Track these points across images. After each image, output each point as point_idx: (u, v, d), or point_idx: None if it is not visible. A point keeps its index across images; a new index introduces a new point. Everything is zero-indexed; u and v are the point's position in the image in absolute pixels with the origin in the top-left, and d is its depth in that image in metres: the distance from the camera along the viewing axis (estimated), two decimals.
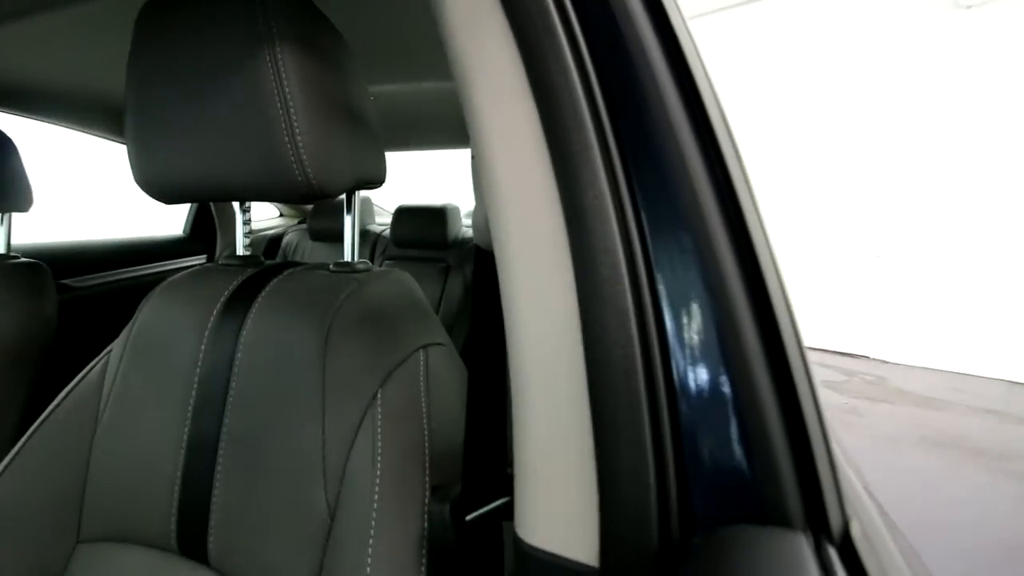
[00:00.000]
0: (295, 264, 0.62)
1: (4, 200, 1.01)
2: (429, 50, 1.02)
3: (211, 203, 1.92)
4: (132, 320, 0.60)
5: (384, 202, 2.82)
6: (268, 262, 0.64)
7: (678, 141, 0.28)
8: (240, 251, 0.69)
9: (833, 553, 0.23)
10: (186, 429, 0.53)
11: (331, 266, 0.61)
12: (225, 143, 0.47)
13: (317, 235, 2.25)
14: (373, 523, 0.43)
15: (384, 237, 2.16)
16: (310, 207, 2.40)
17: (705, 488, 0.26)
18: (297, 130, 0.45)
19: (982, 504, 2.09)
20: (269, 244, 2.43)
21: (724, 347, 0.26)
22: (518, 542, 0.30)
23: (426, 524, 0.44)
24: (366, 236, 2.21)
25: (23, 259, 1.04)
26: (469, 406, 0.47)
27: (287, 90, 0.44)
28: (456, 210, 2.02)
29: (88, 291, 1.40)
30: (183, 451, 0.52)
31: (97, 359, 0.60)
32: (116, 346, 0.60)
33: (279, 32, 0.44)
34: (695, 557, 0.25)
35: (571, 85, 0.29)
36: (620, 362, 0.27)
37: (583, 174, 0.28)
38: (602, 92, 0.29)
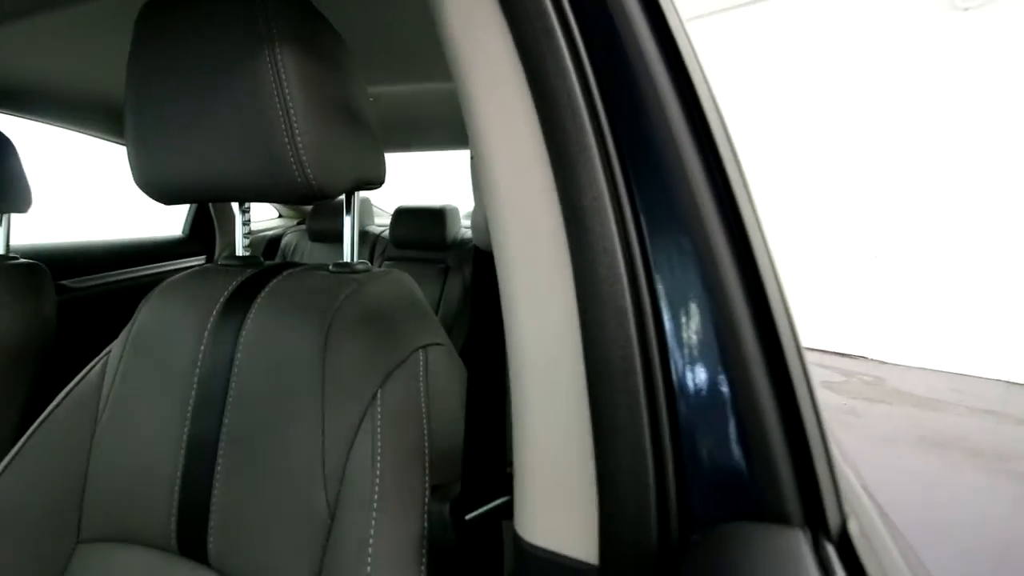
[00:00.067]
0: (294, 265, 0.62)
1: (3, 201, 1.01)
2: (428, 51, 1.02)
3: (210, 204, 1.92)
4: (131, 320, 0.60)
5: (383, 203, 2.82)
6: (267, 263, 0.64)
7: (676, 142, 0.28)
8: (240, 252, 0.69)
9: (831, 550, 0.23)
10: (186, 429, 0.53)
11: (330, 267, 0.61)
12: (225, 144, 0.47)
13: (316, 236, 2.26)
14: (373, 523, 0.43)
15: (383, 238, 2.16)
16: (309, 208, 2.40)
17: (704, 486, 0.26)
18: (297, 131, 0.45)
19: (981, 505, 2.10)
20: (268, 245, 2.43)
21: (722, 347, 0.26)
22: (518, 540, 0.30)
23: (426, 524, 0.44)
24: (365, 237, 2.21)
25: (22, 260, 1.04)
26: (468, 406, 0.47)
27: (287, 91, 0.44)
28: (455, 211, 2.02)
29: (87, 292, 1.40)
30: (183, 451, 0.53)
31: (96, 359, 0.60)
32: (115, 346, 0.60)
33: (279, 33, 0.44)
34: (694, 554, 0.25)
35: (570, 86, 0.29)
36: (619, 362, 0.27)
37: (582, 175, 0.29)
38: (600, 93, 0.30)
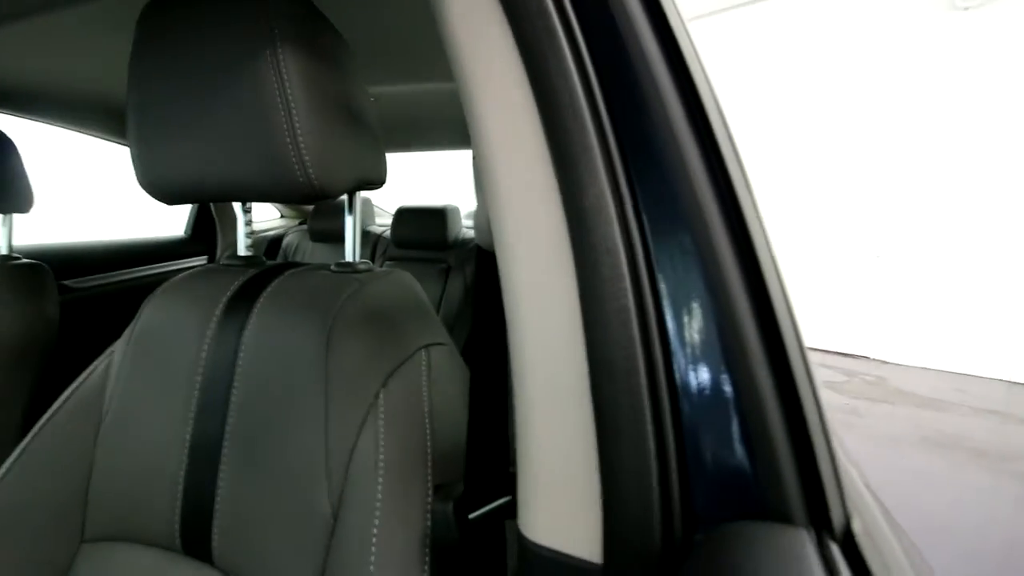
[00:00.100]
0: (297, 264, 0.62)
1: (5, 201, 1.01)
2: (429, 51, 1.02)
3: (212, 204, 1.93)
4: (134, 320, 0.60)
5: (383, 203, 2.82)
6: (270, 262, 0.64)
7: (678, 141, 0.28)
8: (242, 251, 0.70)
9: (835, 549, 0.23)
10: (189, 429, 0.53)
11: (333, 266, 0.61)
12: (227, 144, 0.47)
13: (317, 236, 2.26)
14: (376, 522, 0.43)
15: (384, 238, 2.17)
16: (310, 208, 2.40)
17: (707, 485, 0.26)
18: (299, 131, 0.45)
19: (984, 505, 2.09)
20: (270, 245, 2.44)
21: (725, 345, 0.26)
22: (522, 539, 0.30)
23: (429, 523, 0.44)
24: (367, 237, 2.22)
25: (25, 260, 1.04)
26: (471, 405, 0.47)
27: (289, 91, 0.44)
28: (456, 211, 2.02)
29: (89, 292, 1.41)
30: (186, 451, 0.53)
31: (99, 359, 0.60)
32: (118, 346, 0.60)
33: (281, 33, 0.44)
34: (698, 553, 0.25)
35: (571, 86, 0.29)
36: (622, 361, 0.27)
37: (584, 175, 0.29)
38: (602, 92, 0.30)
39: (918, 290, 3.87)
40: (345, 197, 0.62)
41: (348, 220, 0.65)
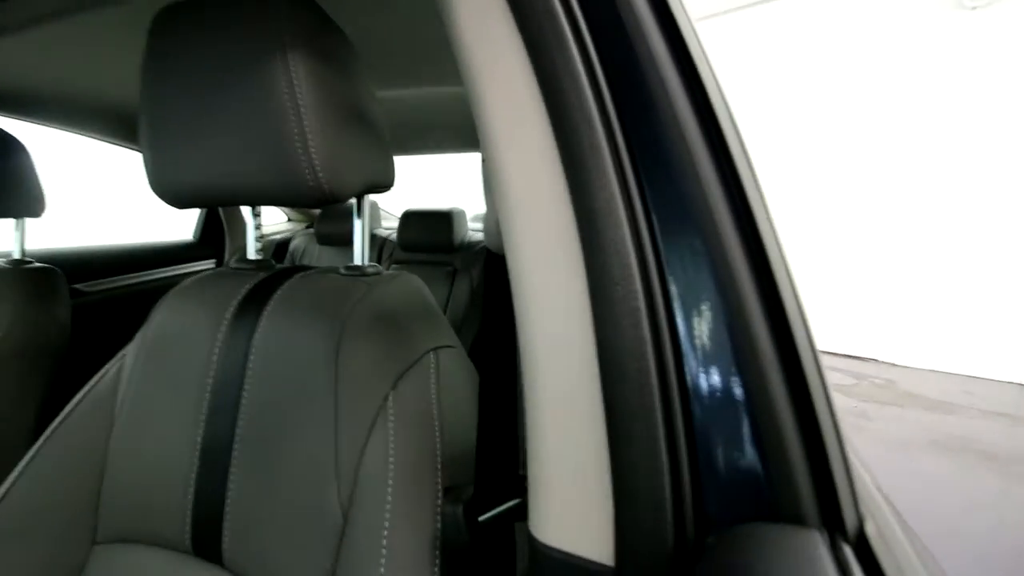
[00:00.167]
0: (306, 268, 0.62)
1: (18, 206, 1.02)
2: (436, 55, 1.03)
3: (220, 208, 1.94)
4: (146, 324, 0.60)
5: (388, 206, 2.83)
6: (279, 266, 0.65)
7: (687, 142, 0.28)
8: (252, 255, 0.70)
9: (849, 551, 0.23)
10: (200, 431, 0.53)
11: (342, 270, 0.61)
12: (238, 148, 0.47)
13: (324, 239, 2.27)
14: (386, 523, 0.43)
15: (391, 241, 2.17)
16: (317, 212, 2.41)
17: (719, 488, 0.26)
18: (309, 136, 0.45)
19: (995, 509, 2.07)
20: (277, 248, 2.45)
21: (736, 347, 0.26)
22: (533, 541, 0.30)
23: (439, 525, 0.44)
24: (373, 240, 2.22)
25: (38, 264, 1.05)
26: (480, 408, 0.48)
27: (299, 97, 0.45)
28: (462, 214, 2.03)
29: (100, 296, 1.42)
30: (197, 453, 0.53)
31: (111, 362, 0.61)
32: (130, 349, 0.60)
33: (290, 39, 0.45)
34: (710, 555, 0.25)
35: (580, 89, 0.29)
36: (633, 363, 0.27)
37: (593, 176, 0.29)
38: (611, 95, 0.30)
39: (928, 292, 3.84)
40: (354, 201, 0.63)
41: (357, 223, 0.66)
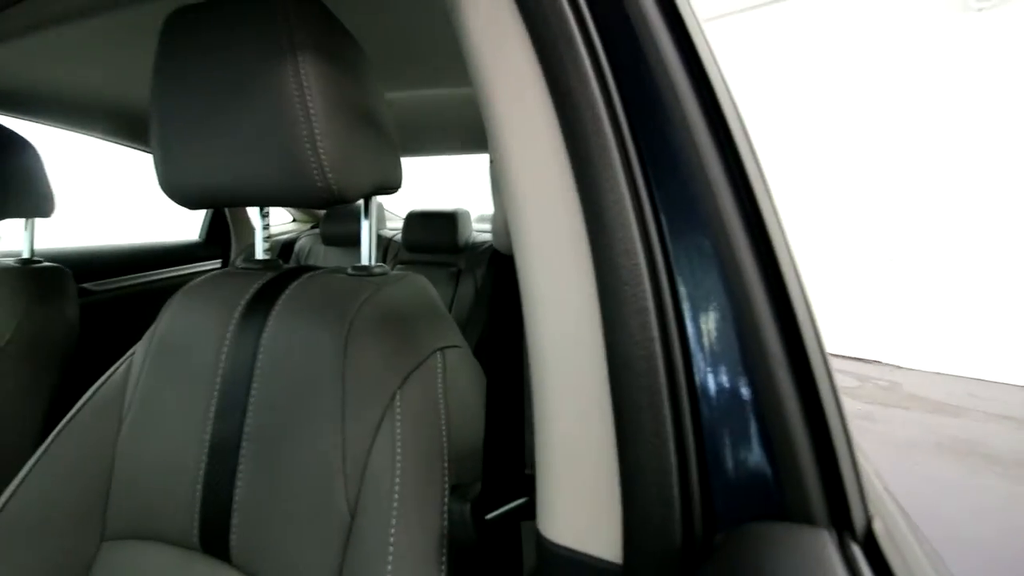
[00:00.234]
0: (314, 268, 0.63)
1: (28, 206, 1.03)
2: (444, 57, 1.03)
3: (226, 209, 1.95)
4: (155, 323, 0.61)
5: (393, 207, 2.84)
6: (287, 266, 0.65)
7: (696, 143, 0.28)
8: (260, 255, 0.70)
9: (857, 550, 0.23)
10: (208, 430, 0.54)
11: (349, 270, 0.62)
12: (247, 149, 0.48)
13: (330, 240, 2.27)
14: (394, 521, 0.43)
15: (396, 242, 2.18)
16: (322, 212, 2.42)
17: (727, 486, 0.26)
18: (318, 137, 0.46)
19: (1000, 512, 2.06)
20: (282, 249, 2.45)
21: (744, 347, 0.26)
22: (541, 539, 0.30)
23: (446, 523, 0.44)
24: (378, 241, 2.23)
25: (46, 263, 1.06)
26: (486, 407, 0.48)
27: (309, 99, 0.45)
28: (467, 214, 2.03)
29: (107, 295, 1.43)
30: (205, 451, 0.53)
31: (120, 361, 0.61)
32: (139, 348, 0.61)
33: (300, 42, 0.45)
34: (718, 554, 0.25)
35: (589, 90, 0.30)
36: (641, 362, 0.27)
37: (603, 177, 0.29)
38: (620, 96, 0.30)
39: (932, 294, 3.83)
40: (361, 202, 0.63)
41: (364, 224, 0.66)
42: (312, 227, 2.72)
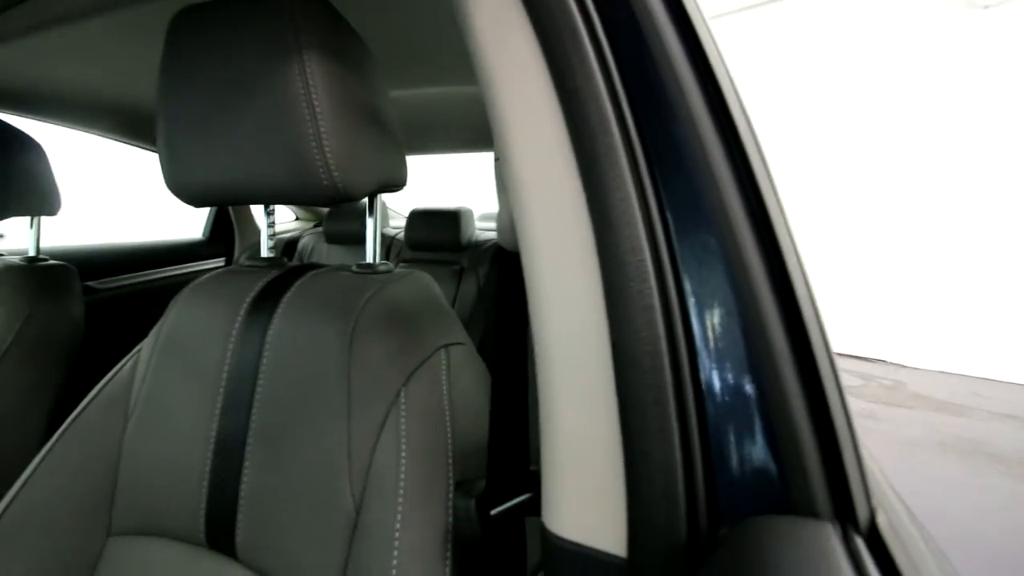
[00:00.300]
0: (318, 266, 0.63)
1: (34, 204, 1.04)
2: (448, 55, 1.03)
3: (230, 207, 1.96)
4: (161, 320, 0.61)
5: (396, 205, 2.84)
6: (291, 264, 0.65)
7: (702, 140, 0.29)
8: (265, 253, 0.71)
9: (860, 543, 0.23)
10: (214, 425, 0.54)
11: (354, 267, 0.62)
12: (253, 148, 0.48)
13: (333, 238, 2.28)
14: (399, 517, 0.44)
15: (399, 240, 2.18)
16: (326, 210, 2.43)
17: (732, 480, 0.26)
18: (324, 135, 0.46)
19: (1005, 512, 2.05)
20: (286, 247, 2.46)
21: (750, 342, 0.26)
22: (546, 533, 0.31)
23: (450, 518, 0.45)
24: (381, 239, 2.22)
25: (52, 261, 1.07)
26: (491, 404, 0.48)
27: (314, 97, 0.45)
28: (469, 213, 2.03)
29: (111, 293, 1.43)
30: (211, 447, 0.54)
31: (126, 358, 0.62)
32: (145, 345, 0.61)
33: (306, 42, 0.45)
34: (723, 547, 0.25)
35: (595, 87, 0.30)
36: (647, 359, 0.27)
37: (609, 176, 0.29)
38: (626, 94, 0.30)
39: (936, 293, 3.82)
40: (366, 199, 0.63)
41: (369, 222, 0.66)
42: (315, 225, 2.73)
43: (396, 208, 2.81)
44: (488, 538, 0.42)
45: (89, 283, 1.36)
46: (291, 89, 0.45)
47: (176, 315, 0.60)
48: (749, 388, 0.26)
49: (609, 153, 0.29)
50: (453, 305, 1.88)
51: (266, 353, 0.54)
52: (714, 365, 0.27)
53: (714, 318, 0.27)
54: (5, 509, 0.55)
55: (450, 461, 0.47)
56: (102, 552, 0.56)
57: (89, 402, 0.60)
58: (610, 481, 0.28)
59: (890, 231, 3.97)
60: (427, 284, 0.62)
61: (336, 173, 0.47)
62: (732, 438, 0.26)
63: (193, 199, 0.54)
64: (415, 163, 2.38)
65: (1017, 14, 3.43)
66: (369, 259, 0.65)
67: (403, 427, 0.47)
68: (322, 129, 0.46)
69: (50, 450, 0.57)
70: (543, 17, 0.31)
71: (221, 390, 0.55)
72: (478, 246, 1.99)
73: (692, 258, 0.28)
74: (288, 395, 0.52)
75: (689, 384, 0.27)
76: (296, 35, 0.45)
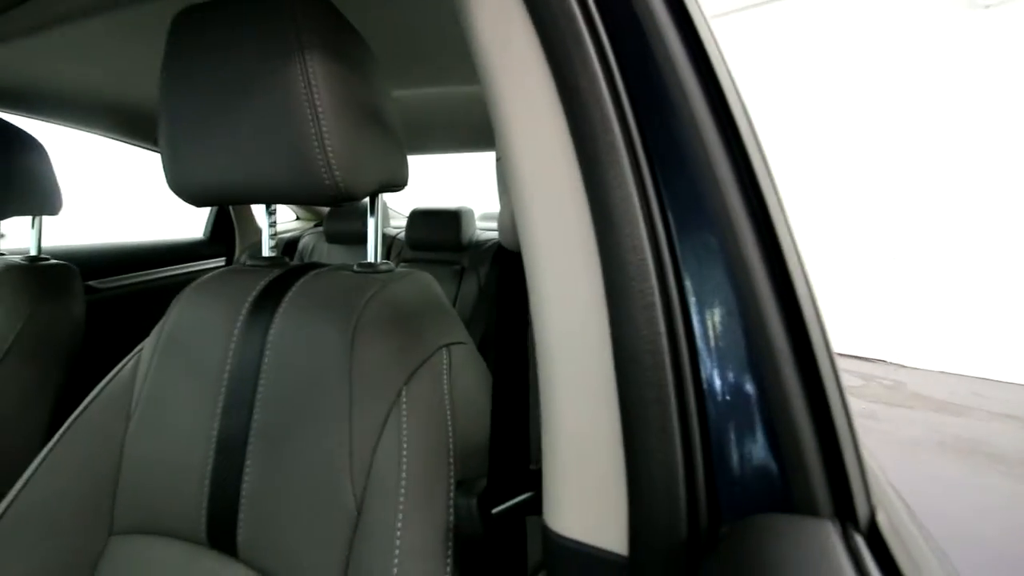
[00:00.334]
0: (320, 265, 0.63)
1: (35, 204, 1.04)
2: (449, 55, 1.03)
3: (231, 207, 1.96)
4: (163, 319, 0.61)
5: (396, 205, 2.84)
6: (293, 263, 0.66)
7: (703, 140, 0.29)
8: (267, 252, 0.71)
9: (860, 540, 0.24)
10: (216, 425, 0.54)
11: (355, 267, 0.62)
12: (256, 147, 0.48)
13: (333, 238, 2.28)
14: (400, 515, 0.44)
15: (399, 240, 2.18)
16: (326, 210, 2.43)
17: (733, 478, 0.26)
18: (326, 134, 0.46)
19: (1004, 512, 2.06)
20: (286, 247, 2.46)
21: (750, 342, 0.26)
22: (547, 532, 0.31)
23: (451, 517, 0.45)
24: (382, 239, 2.22)
25: (54, 261, 1.07)
26: (492, 403, 0.48)
27: (316, 97, 0.46)
28: (470, 212, 2.03)
29: (112, 292, 1.43)
30: (213, 447, 0.54)
31: (128, 358, 0.62)
32: (147, 345, 0.61)
33: (308, 42, 0.46)
34: (724, 544, 0.25)
35: (597, 87, 0.30)
36: (648, 357, 0.27)
37: (610, 175, 0.29)
38: (628, 94, 0.30)
39: (936, 293, 3.82)
40: (367, 199, 0.63)
41: (370, 221, 0.67)
42: (315, 225, 2.73)
43: (397, 208, 2.81)
44: (489, 537, 0.43)
45: (90, 283, 1.36)
46: (293, 89, 0.45)
47: (178, 314, 0.61)
48: (750, 387, 0.26)
49: (610, 152, 0.29)
50: (454, 305, 1.88)
51: (268, 352, 0.54)
52: (715, 364, 0.27)
53: (715, 317, 0.27)
54: (6, 508, 0.55)
55: (451, 460, 0.47)
56: (103, 551, 0.56)
57: (91, 402, 0.60)
58: (611, 479, 0.28)
59: (891, 230, 3.97)
60: (428, 284, 0.62)
61: (338, 173, 0.47)
62: (733, 436, 0.26)
63: (195, 199, 0.54)
64: (416, 163, 2.38)
65: (1018, 14, 3.43)
66: (370, 258, 0.65)
67: (404, 426, 0.47)
68: (324, 129, 0.46)
69: (52, 450, 0.58)
70: (545, 17, 0.31)
71: (223, 389, 0.55)
72: (479, 246, 1.99)
73: (693, 257, 0.28)
74: (290, 394, 0.52)
75: (690, 383, 0.27)
76: (298, 35, 0.45)
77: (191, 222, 1.98)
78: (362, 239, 2.14)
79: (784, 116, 4.27)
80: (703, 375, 0.27)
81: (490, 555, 0.44)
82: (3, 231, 1.13)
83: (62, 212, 1.10)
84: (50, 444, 0.58)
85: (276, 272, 0.61)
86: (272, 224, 0.73)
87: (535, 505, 0.40)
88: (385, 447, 0.47)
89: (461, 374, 0.53)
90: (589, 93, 0.30)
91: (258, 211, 2.17)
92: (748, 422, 0.26)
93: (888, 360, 4.03)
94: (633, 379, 0.28)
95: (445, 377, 0.51)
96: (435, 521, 0.44)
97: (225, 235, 2.02)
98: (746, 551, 0.24)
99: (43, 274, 1.02)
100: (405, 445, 0.46)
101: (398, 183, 0.61)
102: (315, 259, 2.33)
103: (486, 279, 1.86)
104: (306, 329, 0.53)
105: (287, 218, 2.75)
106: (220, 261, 1.98)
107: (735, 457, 0.26)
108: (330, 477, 0.48)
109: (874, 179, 4.00)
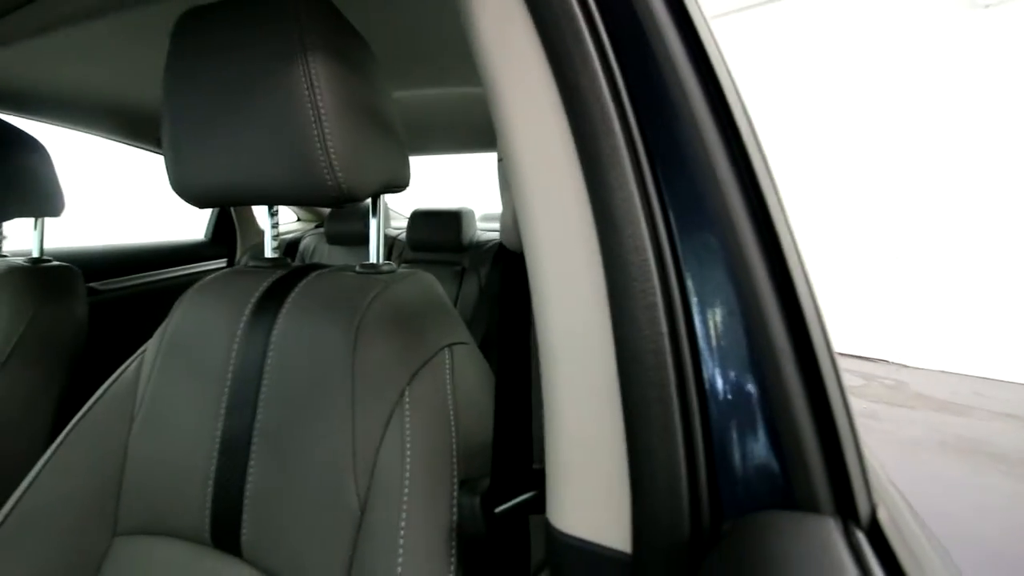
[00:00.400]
0: (322, 266, 0.63)
1: (38, 205, 1.04)
2: (451, 56, 1.04)
3: (232, 209, 1.96)
4: (166, 321, 0.62)
5: (397, 206, 2.84)
6: (295, 264, 0.66)
7: (704, 141, 0.29)
8: (269, 253, 0.71)
9: (862, 537, 0.24)
10: (219, 426, 0.54)
11: (357, 268, 0.62)
12: (258, 149, 0.48)
13: (334, 239, 2.28)
14: (403, 515, 0.44)
15: (400, 240, 2.18)
16: (327, 211, 2.43)
17: (734, 476, 0.26)
18: (328, 136, 0.46)
19: (1005, 511, 2.05)
20: (287, 248, 2.47)
21: (752, 341, 0.27)
22: (551, 530, 0.31)
23: (455, 516, 0.45)
24: (384, 239, 2.22)
25: (56, 263, 1.07)
26: (495, 403, 0.48)
27: (319, 98, 0.46)
28: (471, 213, 2.03)
29: (114, 294, 1.44)
30: (216, 447, 0.54)
31: (131, 359, 0.62)
32: (150, 346, 0.62)
33: (311, 43, 0.46)
34: (726, 541, 0.25)
35: (599, 89, 0.30)
36: (650, 356, 0.28)
37: (612, 176, 0.29)
38: (629, 94, 0.30)
39: (938, 293, 3.81)
40: (369, 200, 0.64)
41: (372, 222, 0.67)
42: (316, 226, 2.73)
43: (397, 209, 2.81)
44: (492, 536, 0.43)
45: (92, 284, 1.36)
46: (295, 90, 0.46)
47: (181, 316, 0.61)
48: (751, 386, 0.26)
49: (612, 153, 0.29)
50: (455, 305, 1.88)
51: (271, 353, 0.54)
52: (717, 363, 0.27)
53: (716, 317, 0.28)
54: (11, 510, 0.55)
55: (454, 460, 0.48)
56: (108, 552, 0.57)
57: (94, 403, 0.60)
58: (614, 478, 0.28)
59: (892, 230, 3.97)
60: (430, 284, 0.63)
61: (340, 174, 0.47)
62: (734, 434, 0.27)
63: (198, 200, 0.55)
64: (417, 163, 2.39)
65: (1018, 14, 3.43)
66: (372, 259, 0.65)
67: (407, 426, 0.47)
68: (326, 130, 0.46)
69: (55, 451, 0.58)
70: (546, 17, 0.31)
71: (226, 390, 0.55)
72: (479, 246, 1.99)
73: (694, 257, 0.28)
74: (293, 395, 0.52)
75: (692, 382, 0.27)
76: (300, 36, 0.46)
77: (192, 224, 1.98)
78: (363, 240, 2.14)
79: (784, 116, 4.27)
80: (705, 374, 0.28)
81: (493, 554, 0.44)
82: (5, 233, 1.13)
83: (64, 214, 1.11)
84: (54, 446, 0.58)
85: (279, 273, 0.61)
86: (274, 225, 0.73)
87: (538, 504, 0.40)
88: (388, 447, 0.47)
89: (464, 374, 0.53)
90: (590, 92, 0.30)
91: (259, 212, 2.18)
92: (750, 421, 0.26)
93: (890, 360, 4.02)
94: (636, 379, 0.28)
95: (448, 377, 0.51)
96: (439, 521, 0.45)
97: (227, 236, 2.03)
98: (748, 547, 0.24)
99: (46, 276, 1.02)
100: (408, 445, 0.46)
101: (400, 184, 0.61)
102: (316, 260, 2.34)
103: (487, 279, 1.86)
104: (309, 329, 0.54)
105: (288, 219, 2.76)
106: (222, 262, 1.98)
107: (737, 455, 0.26)
108: (334, 477, 0.48)
109: (874, 178, 4.00)
